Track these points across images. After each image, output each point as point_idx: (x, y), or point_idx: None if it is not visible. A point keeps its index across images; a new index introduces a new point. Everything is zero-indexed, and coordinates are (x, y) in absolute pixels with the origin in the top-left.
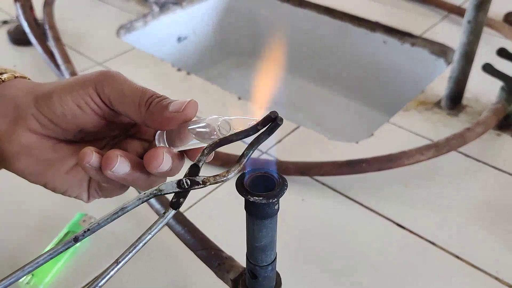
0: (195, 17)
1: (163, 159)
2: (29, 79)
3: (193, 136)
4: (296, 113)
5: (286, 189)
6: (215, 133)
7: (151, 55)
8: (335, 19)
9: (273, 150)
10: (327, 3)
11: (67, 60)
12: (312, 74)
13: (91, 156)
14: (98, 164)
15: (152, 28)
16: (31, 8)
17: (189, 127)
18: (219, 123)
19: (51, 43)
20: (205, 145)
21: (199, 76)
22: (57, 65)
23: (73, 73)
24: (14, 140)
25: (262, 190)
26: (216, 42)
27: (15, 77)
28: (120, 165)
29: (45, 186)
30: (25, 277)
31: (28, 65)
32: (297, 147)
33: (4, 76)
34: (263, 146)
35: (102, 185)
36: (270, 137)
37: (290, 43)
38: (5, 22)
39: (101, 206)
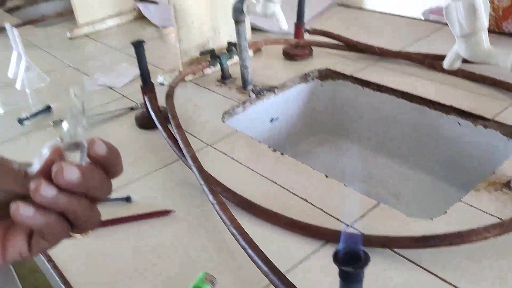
0: (286, 101)
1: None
2: None
3: (68, 154)
4: (376, 188)
5: (369, 262)
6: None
7: (250, 136)
8: (412, 103)
9: (357, 224)
10: (405, 88)
11: (187, 144)
12: (391, 151)
13: (27, 207)
14: (33, 212)
15: (250, 112)
16: (155, 99)
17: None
18: (66, 129)
19: (173, 130)
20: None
21: (287, 151)
22: (179, 148)
23: (193, 156)
24: None
25: (351, 261)
26: (303, 121)
27: None
28: (70, 171)
29: None
30: None
31: (152, 145)
32: (378, 222)
33: None
34: (349, 220)
35: (51, 240)
36: None
37: (370, 123)
38: (131, 109)
39: (224, 271)
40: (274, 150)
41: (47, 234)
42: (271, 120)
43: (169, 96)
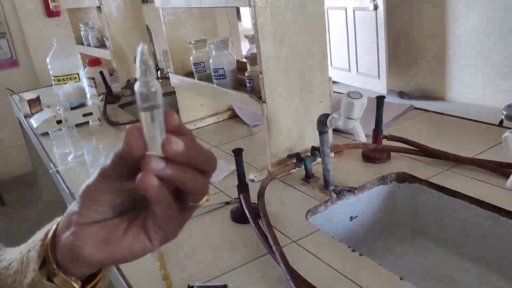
0: (364, 201)
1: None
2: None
3: (143, 114)
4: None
5: None
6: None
7: (331, 236)
8: (486, 210)
9: None
10: (478, 195)
11: (276, 242)
12: (465, 253)
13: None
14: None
15: (331, 210)
16: (249, 197)
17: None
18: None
19: (264, 227)
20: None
21: (365, 247)
22: (268, 244)
23: (281, 253)
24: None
25: None
26: (381, 220)
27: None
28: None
29: (115, 259)
30: None
31: (245, 239)
32: None
33: (54, 226)
34: None
35: (163, 222)
36: None
37: (446, 225)
38: (227, 203)
39: None
40: (353, 251)
41: (161, 213)
42: (351, 218)
43: (261, 195)
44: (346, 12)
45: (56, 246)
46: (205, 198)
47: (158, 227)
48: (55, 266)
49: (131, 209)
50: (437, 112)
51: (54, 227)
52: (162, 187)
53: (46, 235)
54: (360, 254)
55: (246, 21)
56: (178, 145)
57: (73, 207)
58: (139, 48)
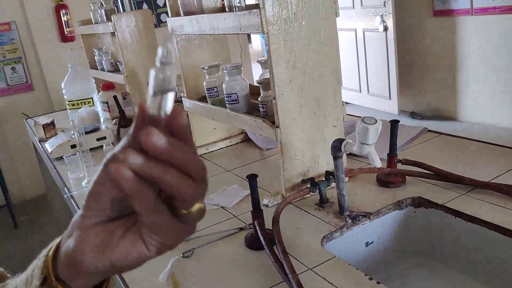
0: (380, 226)
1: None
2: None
3: (153, 99)
4: None
5: None
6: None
7: (347, 263)
8: (504, 235)
9: None
10: (496, 220)
11: (292, 270)
12: (483, 279)
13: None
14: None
15: (346, 236)
16: (264, 223)
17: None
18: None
19: (279, 254)
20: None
21: (382, 272)
22: (284, 271)
23: (297, 282)
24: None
25: None
26: (397, 245)
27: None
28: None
29: (112, 266)
30: None
31: (259, 266)
32: None
33: (57, 240)
34: None
35: (153, 226)
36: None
37: (463, 250)
38: (241, 229)
39: None
40: (371, 279)
41: (148, 216)
42: (367, 244)
43: (276, 222)
44: (356, 34)
45: (57, 259)
46: (197, 206)
47: (151, 231)
48: (53, 279)
49: (132, 214)
50: (450, 135)
51: (57, 240)
52: (140, 184)
53: (50, 250)
54: (378, 282)
55: (256, 43)
56: (159, 140)
57: (77, 213)
58: (166, 36)
